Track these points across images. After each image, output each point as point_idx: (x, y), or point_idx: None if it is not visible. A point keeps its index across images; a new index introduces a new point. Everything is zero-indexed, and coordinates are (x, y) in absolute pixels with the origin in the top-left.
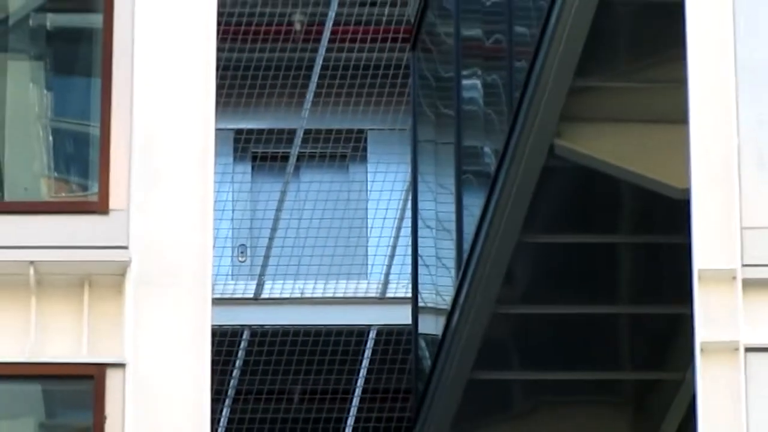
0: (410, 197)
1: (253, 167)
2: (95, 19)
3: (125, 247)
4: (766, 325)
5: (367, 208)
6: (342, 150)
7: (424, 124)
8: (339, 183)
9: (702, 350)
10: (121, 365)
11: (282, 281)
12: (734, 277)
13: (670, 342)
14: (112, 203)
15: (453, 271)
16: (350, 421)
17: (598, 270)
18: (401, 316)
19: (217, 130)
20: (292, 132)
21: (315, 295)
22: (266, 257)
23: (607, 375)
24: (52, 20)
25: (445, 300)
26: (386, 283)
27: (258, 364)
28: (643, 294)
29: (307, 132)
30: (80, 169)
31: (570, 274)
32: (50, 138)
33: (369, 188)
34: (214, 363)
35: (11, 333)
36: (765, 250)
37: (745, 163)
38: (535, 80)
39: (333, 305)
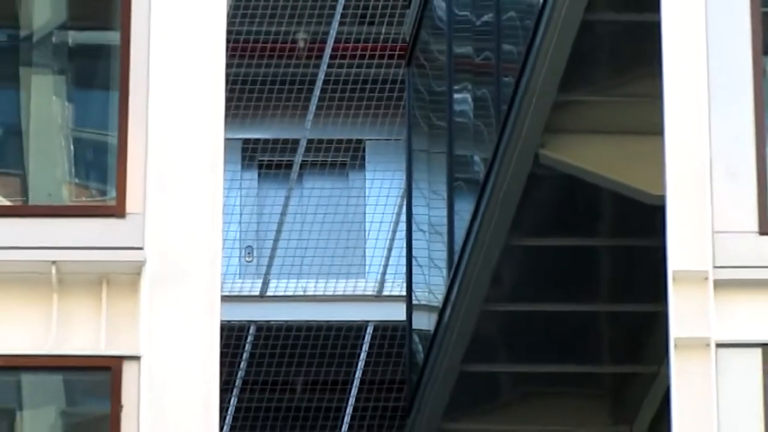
0: (405, 202)
1: (259, 174)
2: (113, 37)
3: (140, 248)
4: (735, 323)
5: (365, 213)
6: (342, 158)
7: (418, 135)
8: (339, 189)
9: (676, 345)
10: (137, 358)
11: (286, 280)
12: (706, 278)
13: (646, 338)
14: (129, 207)
15: (444, 271)
16: (349, 409)
17: (580, 271)
18: (396, 312)
19: (226, 139)
20: (295, 142)
21: (316, 293)
22: (271, 258)
23: (587, 368)
24: (73, 37)
25: (437, 298)
26: (383, 282)
27: (263, 357)
28: (621, 293)
29: (309, 142)
30: (99, 176)
31: (553, 275)
32: (71, 147)
33: (367, 194)
34: (222, 356)
35: (35, 328)
36: (735, 253)
37: (717, 173)
38: (522, 94)
39: (333, 303)
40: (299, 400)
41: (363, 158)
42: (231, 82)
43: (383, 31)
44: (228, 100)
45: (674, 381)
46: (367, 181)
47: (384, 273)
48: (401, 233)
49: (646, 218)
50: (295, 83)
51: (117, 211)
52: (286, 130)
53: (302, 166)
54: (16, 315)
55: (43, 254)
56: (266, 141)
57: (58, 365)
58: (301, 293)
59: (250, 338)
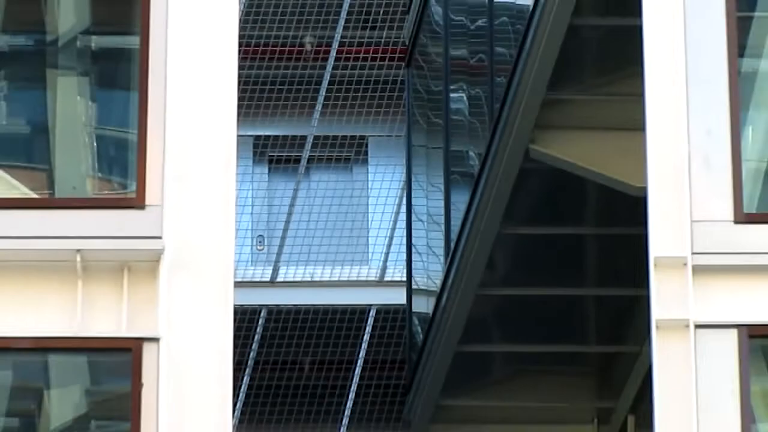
0: (405, 194)
1: (269, 169)
2: (133, 41)
3: (159, 238)
4: (712, 305)
5: (368, 204)
6: (346, 154)
7: (417, 132)
8: (344, 182)
9: (657, 327)
10: (156, 339)
11: (294, 267)
12: (685, 264)
13: (629, 319)
14: (148, 199)
15: (442, 258)
16: (353, 387)
17: (568, 257)
18: (397, 297)
19: (239, 136)
20: (303, 138)
21: (323, 279)
22: (281, 246)
23: (575, 348)
24: (96, 41)
25: (435, 283)
26: (384, 268)
27: (274, 339)
28: (606, 278)
29: (316, 138)
30: (120, 170)
31: (543, 261)
32: (95, 143)
33: (369, 187)
34: (235, 338)
35: (61, 312)
36: (712, 240)
37: (695, 166)
38: (513, 93)
39: (338, 288)
40: (307, 379)
41: (366, 153)
42: (243, 83)
43: (384, 35)
44: (240, 99)
45: (656, 360)
46: (369, 174)
47: (386, 260)
48: (402, 223)
49: (629, 208)
50: (302, 84)
51: (137, 203)
52: (294, 127)
53: (309, 160)
54: (43, 300)
55: (69, 243)
56: (276, 137)
57: (82, 347)
58: (309, 279)
59: (261, 321)
